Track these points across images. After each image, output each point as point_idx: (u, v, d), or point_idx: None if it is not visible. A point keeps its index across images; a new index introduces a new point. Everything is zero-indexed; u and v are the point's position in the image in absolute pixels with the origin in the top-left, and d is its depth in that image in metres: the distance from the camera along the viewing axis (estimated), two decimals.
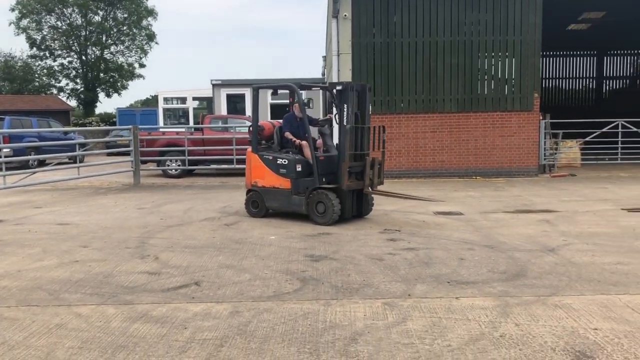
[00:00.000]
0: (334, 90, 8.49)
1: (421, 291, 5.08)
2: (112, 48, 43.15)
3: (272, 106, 18.63)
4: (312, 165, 8.44)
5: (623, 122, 15.59)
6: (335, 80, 14.76)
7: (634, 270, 5.70)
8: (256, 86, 9.21)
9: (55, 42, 41.52)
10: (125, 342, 4.02)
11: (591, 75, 31.07)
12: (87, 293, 5.17)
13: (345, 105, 8.23)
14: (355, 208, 8.62)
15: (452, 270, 5.78)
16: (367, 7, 14.43)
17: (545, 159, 15.40)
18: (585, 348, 3.81)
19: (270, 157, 8.78)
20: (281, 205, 8.77)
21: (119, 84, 43.63)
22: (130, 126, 15.36)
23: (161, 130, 18.18)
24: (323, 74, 29.16)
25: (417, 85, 14.58)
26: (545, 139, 15.28)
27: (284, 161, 8.61)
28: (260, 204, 9.00)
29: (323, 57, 31.51)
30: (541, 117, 15.07)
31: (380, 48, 14.49)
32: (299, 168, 8.52)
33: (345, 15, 14.36)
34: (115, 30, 42.46)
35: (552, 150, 15.90)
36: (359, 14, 14.43)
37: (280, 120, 9.41)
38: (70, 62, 42.29)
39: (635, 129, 15.62)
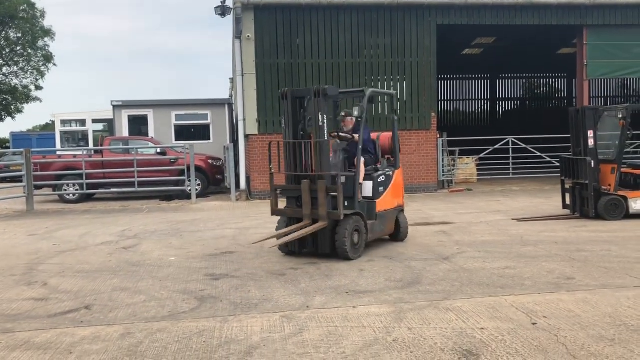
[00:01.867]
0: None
1: (320, 302, 5.11)
2: (5, 69, 40.65)
3: (177, 127, 18.26)
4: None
5: (513, 139, 16.67)
6: (240, 101, 14.71)
7: (520, 273, 6.05)
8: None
9: None
10: None
11: (485, 97, 33.07)
12: None
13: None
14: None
15: (351, 281, 5.86)
16: (270, 29, 14.57)
17: (443, 175, 16.11)
18: (472, 347, 3.98)
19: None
20: None
21: (12, 107, 41.06)
22: (22, 149, 14.48)
23: (57, 153, 17.26)
24: (230, 96, 29.02)
25: None
26: (443, 156, 16.01)
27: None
28: None
29: (230, 79, 31.40)
30: (439, 136, 15.79)
31: (285, 69, 14.65)
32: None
33: (248, 36, 14.42)
34: (7, 50, 40.10)
35: (450, 167, 16.69)
36: (262, 35, 14.54)
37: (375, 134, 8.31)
38: None
39: (524, 146, 16.74)
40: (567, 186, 10.35)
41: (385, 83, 15.13)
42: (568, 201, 10.27)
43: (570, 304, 4.91)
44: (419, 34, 15.16)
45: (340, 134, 7.49)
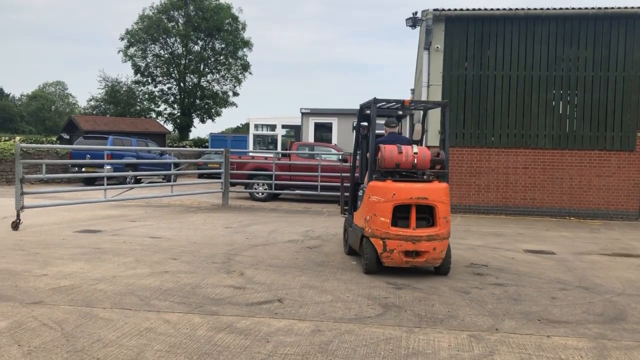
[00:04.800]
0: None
1: (509, 326, 4.85)
2: (209, 76, 45.26)
3: None
4: None
5: None
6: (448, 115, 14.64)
7: None
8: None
9: (157, 69, 44.15)
10: (210, 349, 4.11)
11: None
12: (175, 301, 5.35)
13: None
14: None
15: (543, 308, 5.49)
16: (460, 40, 14.32)
17: None
18: None
19: None
20: None
21: (213, 111, 45.56)
22: (222, 149, 15.96)
23: (250, 154, 18.73)
24: None
25: (510, 119, 14.20)
26: None
27: None
28: None
29: (411, 89, 31.43)
30: None
31: (472, 80, 14.28)
32: None
33: (437, 47, 14.32)
34: (212, 59, 44.60)
35: None
36: (451, 47, 14.34)
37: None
38: (169, 88, 44.76)
39: None
40: None
41: (584, 98, 13.98)
42: None
43: None
44: (627, 46, 13.79)
45: None
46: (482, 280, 6.62)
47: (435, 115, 14.26)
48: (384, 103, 7.58)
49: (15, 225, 9.54)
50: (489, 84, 14.25)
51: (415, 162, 6.75)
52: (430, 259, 6.58)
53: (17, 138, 30.09)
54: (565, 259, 8.30)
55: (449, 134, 7.41)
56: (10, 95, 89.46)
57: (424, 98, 14.83)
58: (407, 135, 9.39)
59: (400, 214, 6.60)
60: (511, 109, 14.19)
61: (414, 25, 15.61)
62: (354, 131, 8.03)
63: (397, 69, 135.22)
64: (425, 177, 6.80)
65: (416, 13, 15.50)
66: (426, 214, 6.64)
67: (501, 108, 14.22)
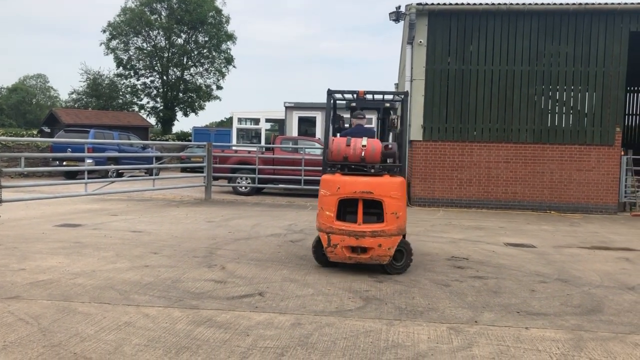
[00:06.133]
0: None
1: (488, 319, 4.89)
2: (192, 69, 44.95)
3: None
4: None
5: None
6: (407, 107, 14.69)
7: None
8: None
9: (140, 62, 43.73)
10: (189, 343, 4.09)
11: None
12: (155, 295, 5.32)
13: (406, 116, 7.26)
14: None
15: (522, 300, 5.54)
16: (443, 35, 14.36)
17: (626, 197, 14.62)
18: None
19: None
20: None
21: (196, 104, 45.29)
22: (205, 143, 15.86)
23: (233, 148, 18.65)
24: None
25: (492, 113, 14.29)
26: (626, 175, 14.54)
27: None
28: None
29: (395, 84, 31.54)
30: (623, 153, 14.38)
31: (455, 75, 14.34)
32: None
33: (420, 41, 14.35)
34: (196, 52, 44.29)
35: (634, 188, 15.09)
36: (434, 41, 14.38)
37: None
38: (152, 82, 44.36)
39: None
40: None
41: (565, 93, 14.13)
42: None
43: None
44: (607, 42, 13.94)
45: None
46: (462, 273, 6.67)
47: (418, 108, 14.32)
48: (340, 95, 7.52)
49: None
50: (472, 79, 14.32)
51: (364, 155, 6.48)
52: (375, 255, 6.28)
53: None
54: (545, 252, 8.39)
55: (408, 127, 7.25)
56: None
57: None
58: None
59: (350, 209, 6.42)
60: (493, 103, 14.28)
61: (397, 20, 15.65)
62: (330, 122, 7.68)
63: (381, 63, 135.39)
64: (372, 170, 6.56)
65: (399, 7, 15.54)
66: (378, 209, 6.37)
67: (483, 102, 14.30)
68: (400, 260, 6.57)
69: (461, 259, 7.56)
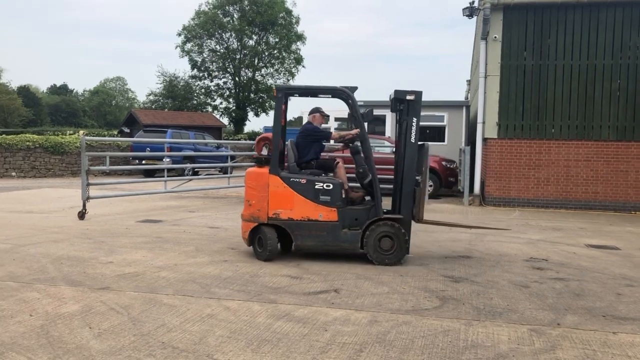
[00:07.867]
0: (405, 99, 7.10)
1: (572, 321, 4.73)
2: (263, 70, 45.76)
3: None
4: (373, 190, 7.01)
5: None
6: (480, 103, 14.40)
7: None
8: (283, 87, 7.64)
9: (213, 64, 45.00)
10: (270, 336, 4.20)
11: None
12: (234, 289, 5.49)
13: (415, 119, 7.02)
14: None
15: (608, 304, 5.31)
16: (519, 29, 13.93)
17: None
18: None
19: (303, 181, 6.85)
20: (322, 242, 6.83)
21: (267, 104, 46.09)
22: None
23: None
24: (466, 98, 28.55)
25: (571, 110, 13.73)
26: None
27: (327, 185, 6.82)
28: (271, 242, 6.83)
29: (467, 80, 30.92)
30: None
31: (532, 71, 13.87)
32: (343, 195, 6.92)
33: (495, 37, 13.98)
34: (266, 53, 45.08)
35: None
36: (509, 36, 13.98)
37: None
38: (225, 83, 45.52)
39: None
40: None
41: None
42: None
43: None
44: None
45: None
46: (542, 275, 6.47)
47: (493, 105, 13.98)
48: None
49: (82, 215, 9.98)
50: (549, 74, 13.80)
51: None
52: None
53: (81, 132, 31.34)
54: (631, 254, 7.99)
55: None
56: (74, 90, 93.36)
57: (481, 89, 14.53)
58: (394, 132, 8.30)
59: None
60: (572, 99, 13.71)
61: (471, 15, 15.29)
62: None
63: (453, 59, 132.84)
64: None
65: (473, 2, 15.19)
66: None
67: (562, 98, 13.76)
68: (390, 249, 6.73)
69: (540, 260, 7.33)
